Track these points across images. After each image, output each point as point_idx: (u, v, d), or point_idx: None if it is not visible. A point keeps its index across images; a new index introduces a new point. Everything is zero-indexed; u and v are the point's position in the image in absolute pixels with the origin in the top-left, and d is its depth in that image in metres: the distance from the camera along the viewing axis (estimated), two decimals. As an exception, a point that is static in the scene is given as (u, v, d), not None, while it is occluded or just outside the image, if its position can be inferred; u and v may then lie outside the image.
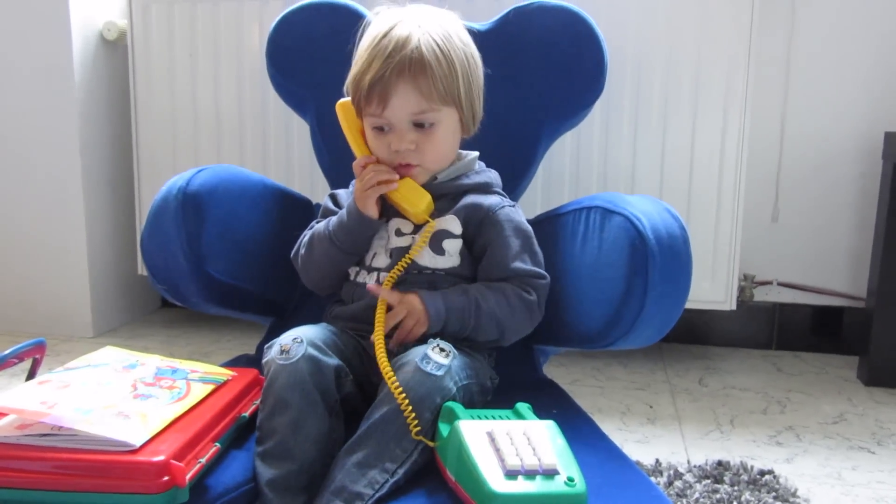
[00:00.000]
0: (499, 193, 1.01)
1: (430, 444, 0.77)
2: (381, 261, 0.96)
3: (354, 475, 0.74)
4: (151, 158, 1.81)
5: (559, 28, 1.13)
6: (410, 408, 0.76)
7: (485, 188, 1.00)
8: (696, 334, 1.90)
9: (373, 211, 0.95)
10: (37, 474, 0.67)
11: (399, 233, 0.96)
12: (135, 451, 0.67)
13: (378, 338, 0.84)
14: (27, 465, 0.67)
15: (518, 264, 0.94)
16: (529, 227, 0.99)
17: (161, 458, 0.66)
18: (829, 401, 1.56)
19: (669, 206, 0.95)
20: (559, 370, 1.70)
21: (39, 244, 1.86)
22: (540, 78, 1.14)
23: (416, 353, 0.80)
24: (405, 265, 0.92)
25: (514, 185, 1.16)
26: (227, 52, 1.73)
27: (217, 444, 0.75)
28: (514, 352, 1.01)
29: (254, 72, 1.72)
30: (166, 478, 0.66)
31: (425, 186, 0.96)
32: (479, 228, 0.95)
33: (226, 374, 0.88)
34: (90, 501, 0.66)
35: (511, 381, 0.97)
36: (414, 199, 0.94)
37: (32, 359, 0.85)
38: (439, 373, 0.78)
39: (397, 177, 0.94)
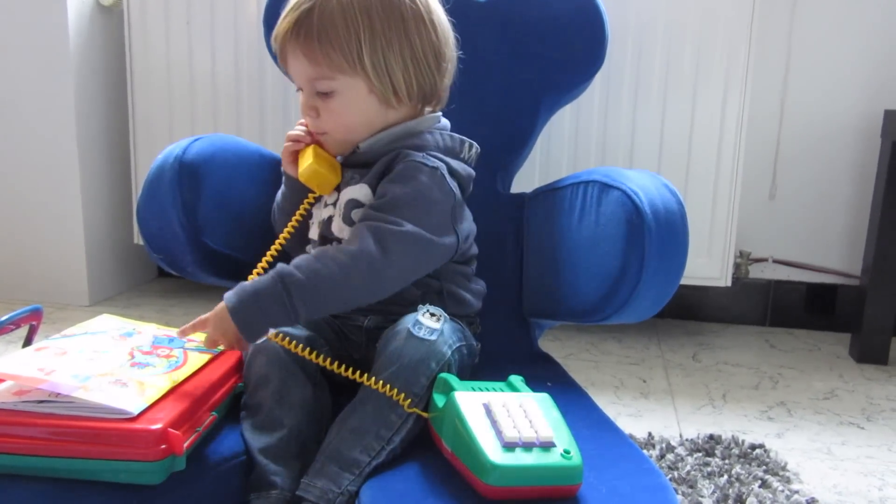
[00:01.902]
0: (437, 158, 0.87)
1: (424, 414, 0.77)
2: (314, 231, 0.93)
3: (349, 441, 0.75)
4: (148, 127, 1.80)
5: (560, -1, 1.12)
6: (403, 395, 0.75)
7: (416, 149, 0.87)
8: (691, 310, 1.91)
9: (290, 169, 0.93)
10: (33, 440, 0.67)
11: (325, 203, 0.93)
12: (132, 420, 0.67)
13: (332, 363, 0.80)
14: (24, 432, 0.67)
15: (371, 210, 0.83)
16: (434, 189, 0.85)
17: (158, 426, 0.67)
18: (820, 377, 1.57)
19: (667, 181, 0.95)
20: (554, 344, 1.71)
21: (35, 212, 1.85)
22: (540, 49, 1.13)
23: (406, 321, 0.79)
24: (278, 246, 0.88)
25: (511, 159, 1.15)
26: (224, 19, 1.71)
27: (214, 413, 0.76)
28: (509, 325, 1.01)
29: (251, 39, 1.70)
30: (163, 446, 0.66)
31: (347, 157, 0.92)
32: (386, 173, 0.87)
33: (222, 343, 0.88)
34: (87, 468, 0.67)
35: (506, 353, 0.98)
36: (301, 160, 0.91)
37: (29, 325, 0.85)
38: (432, 337, 0.78)
39: (308, 139, 0.92)
